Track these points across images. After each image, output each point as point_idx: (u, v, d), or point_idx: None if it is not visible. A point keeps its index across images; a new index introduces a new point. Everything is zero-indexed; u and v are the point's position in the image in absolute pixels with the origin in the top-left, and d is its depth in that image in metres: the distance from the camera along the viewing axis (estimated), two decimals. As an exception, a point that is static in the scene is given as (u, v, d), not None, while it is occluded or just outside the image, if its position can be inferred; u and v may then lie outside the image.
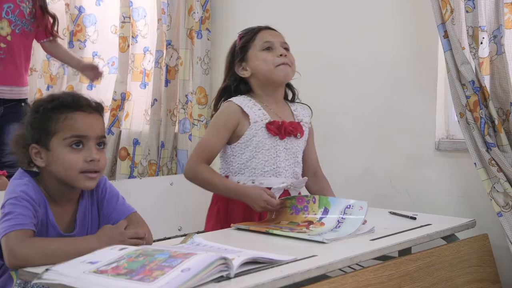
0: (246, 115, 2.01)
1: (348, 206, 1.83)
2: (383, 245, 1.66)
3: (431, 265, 1.77)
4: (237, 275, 1.28)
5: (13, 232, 1.43)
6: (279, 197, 1.96)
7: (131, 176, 3.25)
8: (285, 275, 1.33)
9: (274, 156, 2.02)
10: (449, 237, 1.97)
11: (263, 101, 2.05)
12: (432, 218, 2.03)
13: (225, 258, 1.26)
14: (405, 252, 1.91)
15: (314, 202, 1.90)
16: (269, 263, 1.38)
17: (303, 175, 2.13)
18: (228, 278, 1.26)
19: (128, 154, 3.29)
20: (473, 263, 1.95)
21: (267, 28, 2.13)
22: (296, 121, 2.10)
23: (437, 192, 2.39)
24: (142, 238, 1.54)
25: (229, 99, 2.05)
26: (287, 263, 1.41)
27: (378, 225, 1.84)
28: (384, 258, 1.77)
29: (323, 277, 1.47)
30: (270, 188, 1.97)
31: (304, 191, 2.12)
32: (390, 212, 2.14)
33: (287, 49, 2.09)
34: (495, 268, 2.06)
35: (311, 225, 1.82)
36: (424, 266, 1.74)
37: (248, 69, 2.06)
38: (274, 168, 2.02)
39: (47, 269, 1.29)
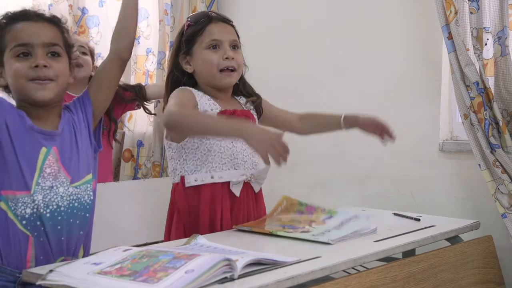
0: (197, 104, 1.89)
1: (355, 216, 1.83)
2: (387, 246, 1.66)
3: (435, 267, 1.77)
4: (241, 276, 1.28)
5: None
6: (241, 191, 1.90)
7: (135, 177, 3.25)
8: (289, 276, 1.32)
9: (231, 147, 1.91)
10: (453, 239, 1.96)
11: (210, 94, 1.94)
12: (436, 220, 2.03)
13: (228, 260, 1.26)
14: (409, 253, 1.91)
15: (322, 211, 1.90)
16: (273, 264, 1.38)
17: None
18: (232, 279, 1.26)
19: (132, 156, 3.29)
20: (477, 265, 1.95)
21: (218, 19, 1.96)
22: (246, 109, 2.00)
23: (441, 193, 2.39)
24: None
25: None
26: (291, 264, 1.41)
27: (382, 226, 1.84)
28: (388, 259, 1.77)
29: (327, 279, 1.47)
30: (229, 182, 1.90)
31: (269, 179, 2.03)
32: (394, 214, 2.14)
33: (236, 46, 1.95)
34: (500, 270, 2.05)
35: (313, 223, 1.82)
36: (428, 268, 1.74)
37: (191, 65, 1.94)
38: (231, 160, 1.90)
39: (50, 270, 1.29)
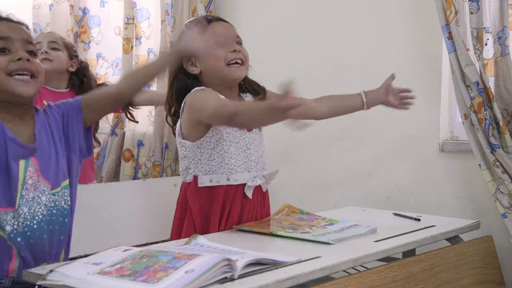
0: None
1: (355, 225, 1.83)
2: (387, 246, 1.66)
3: (435, 267, 1.77)
4: (241, 276, 1.28)
5: None
6: (252, 194, 1.91)
7: (135, 177, 3.25)
8: (289, 276, 1.33)
9: (245, 149, 1.91)
10: (453, 239, 1.96)
11: (219, 92, 1.92)
12: (436, 220, 2.03)
13: (229, 260, 1.26)
14: (409, 253, 1.91)
15: (323, 220, 1.91)
16: (273, 264, 1.38)
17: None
18: (232, 279, 1.26)
19: (132, 156, 3.29)
20: (478, 265, 1.95)
21: (217, 19, 1.99)
22: None
23: (441, 193, 2.39)
24: None
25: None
26: (291, 264, 1.41)
27: (382, 226, 1.84)
28: (388, 259, 1.77)
29: (327, 279, 1.47)
30: (244, 185, 1.90)
31: (277, 181, 2.04)
32: (394, 214, 2.14)
33: (240, 43, 1.97)
34: (500, 270, 2.05)
35: (313, 227, 1.82)
36: (428, 268, 1.74)
37: (197, 65, 1.92)
38: (245, 162, 1.91)
39: (51, 270, 1.29)
